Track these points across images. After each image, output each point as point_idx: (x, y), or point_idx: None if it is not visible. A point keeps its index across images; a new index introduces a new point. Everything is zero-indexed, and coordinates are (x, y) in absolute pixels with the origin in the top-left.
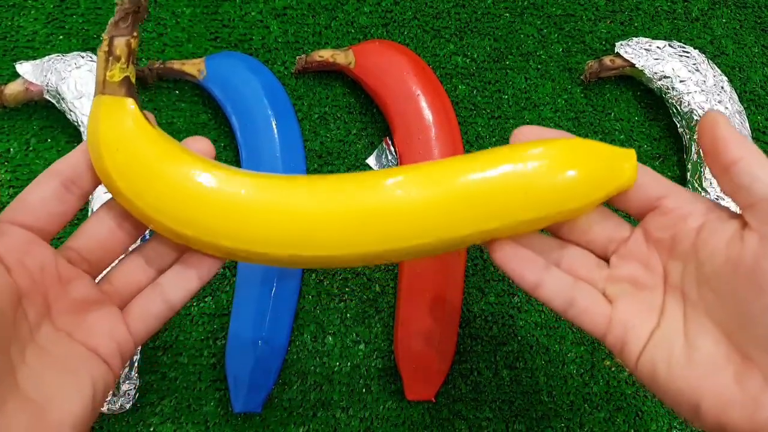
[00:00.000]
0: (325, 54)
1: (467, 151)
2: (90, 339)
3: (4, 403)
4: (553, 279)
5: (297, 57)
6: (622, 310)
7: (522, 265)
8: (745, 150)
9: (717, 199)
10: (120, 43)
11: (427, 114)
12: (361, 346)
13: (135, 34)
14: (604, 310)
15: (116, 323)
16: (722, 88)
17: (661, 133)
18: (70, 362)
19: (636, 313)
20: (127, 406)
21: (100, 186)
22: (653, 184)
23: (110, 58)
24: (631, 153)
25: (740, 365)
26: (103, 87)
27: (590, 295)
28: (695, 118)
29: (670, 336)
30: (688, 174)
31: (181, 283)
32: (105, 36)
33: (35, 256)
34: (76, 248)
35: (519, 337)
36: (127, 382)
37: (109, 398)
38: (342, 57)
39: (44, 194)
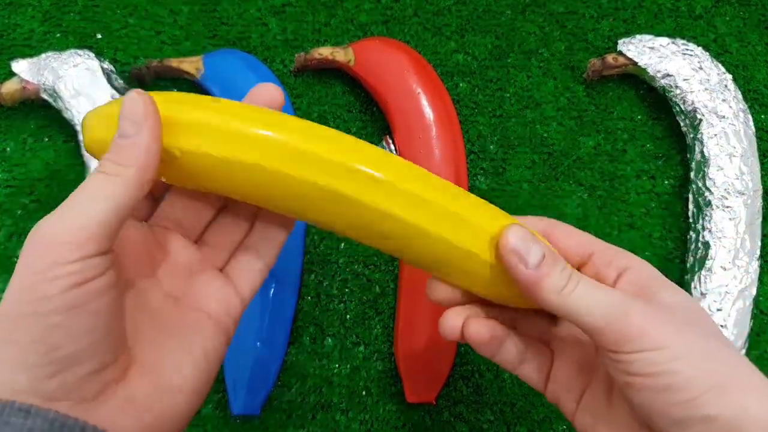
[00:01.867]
0: (325, 52)
1: (468, 151)
2: (199, 302)
3: (126, 372)
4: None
5: (296, 55)
6: (558, 367)
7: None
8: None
9: (721, 198)
10: None
11: (428, 112)
12: (361, 348)
13: None
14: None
15: (222, 284)
16: (726, 86)
17: (664, 132)
18: (181, 327)
19: (568, 374)
20: None
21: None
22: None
23: None
24: None
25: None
26: None
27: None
28: (698, 116)
29: (597, 395)
30: (692, 173)
31: (271, 237)
32: None
33: (130, 226)
34: (166, 215)
35: None
36: None
37: None
38: (341, 54)
39: None
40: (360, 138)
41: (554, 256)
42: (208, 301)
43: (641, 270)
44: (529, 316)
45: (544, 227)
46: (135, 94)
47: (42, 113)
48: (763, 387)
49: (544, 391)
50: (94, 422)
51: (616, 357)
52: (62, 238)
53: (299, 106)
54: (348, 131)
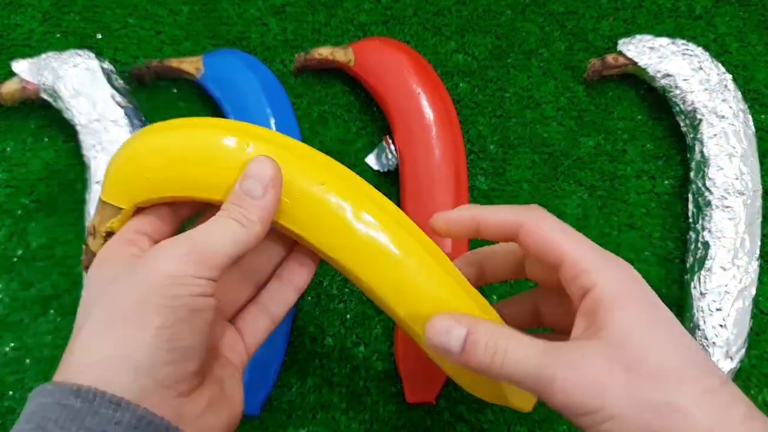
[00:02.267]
0: (324, 52)
1: (468, 151)
2: (218, 348)
3: (202, 381)
4: None
5: (296, 55)
6: None
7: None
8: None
9: (721, 198)
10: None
11: (428, 112)
12: (361, 348)
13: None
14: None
15: (235, 337)
16: (726, 86)
17: (664, 132)
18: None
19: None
20: None
21: (96, 186)
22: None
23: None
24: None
25: None
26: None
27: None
28: (698, 116)
29: None
30: (692, 173)
31: (281, 298)
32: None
33: None
34: None
35: None
36: None
37: None
38: (341, 55)
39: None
40: (360, 137)
41: (476, 334)
42: (222, 351)
43: (597, 289)
44: (551, 300)
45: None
46: (265, 160)
47: (42, 113)
48: (694, 421)
49: None
50: (176, 422)
51: (563, 415)
52: (200, 258)
53: (299, 106)
54: (348, 131)
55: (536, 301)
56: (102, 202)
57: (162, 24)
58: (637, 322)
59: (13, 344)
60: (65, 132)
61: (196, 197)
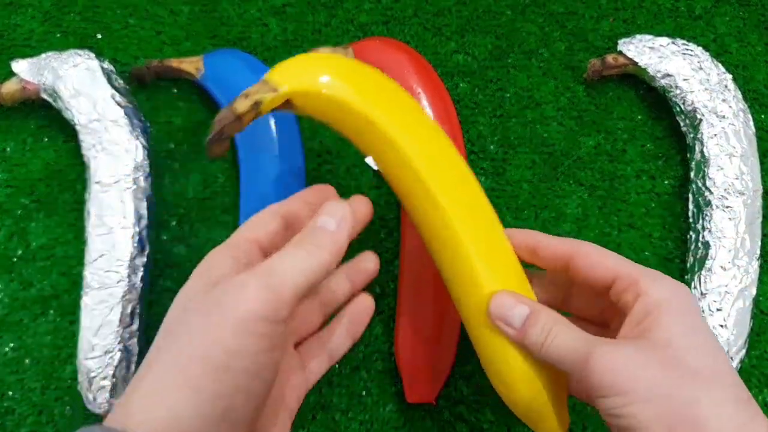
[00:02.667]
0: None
1: (468, 151)
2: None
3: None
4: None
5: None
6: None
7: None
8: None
9: (721, 198)
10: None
11: (428, 112)
12: (361, 348)
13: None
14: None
15: (300, 369)
16: (726, 86)
17: (664, 132)
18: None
19: None
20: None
21: (96, 186)
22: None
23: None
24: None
25: None
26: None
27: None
28: (698, 116)
29: None
30: (692, 173)
31: (341, 341)
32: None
33: None
34: None
35: None
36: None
37: (106, 400)
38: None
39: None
40: None
41: (537, 315)
42: (283, 386)
43: (649, 296)
44: (583, 295)
45: (572, 250)
46: (340, 203)
47: (42, 113)
48: (722, 421)
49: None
50: None
51: (590, 399)
52: (271, 296)
53: None
54: None
55: (570, 292)
56: (263, 81)
57: (162, 24)
58: (681, 328)
59: (12, 344)
60: (65, 132)
61: (340, 128)
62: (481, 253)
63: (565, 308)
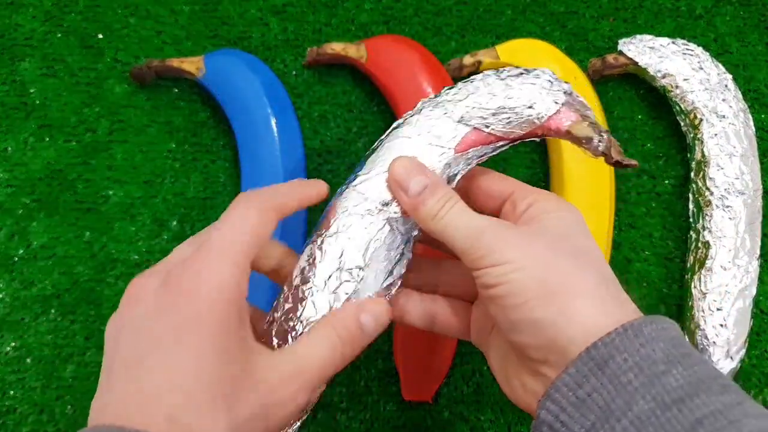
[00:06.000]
0: (337, 47)
1: None
2: None
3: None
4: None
5: (308, 49)
6: (475, 315)
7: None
8: None
9: (721, 198)
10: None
11: None
12: None
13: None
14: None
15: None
16: (726, 86)
17: (664, 131)
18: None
19: (482, 319)
20: None
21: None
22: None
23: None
24: None
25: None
26: None
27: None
28: (699, 116)
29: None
30: (692, 173)
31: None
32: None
33: None
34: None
35: None
36: None
37: None
38: (354, 51)
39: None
40: (360, 137)
41: (436, 187)
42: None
43: (542, 203)
44: (450, 275)
45: (471, 173)
46: (385, 305)
47: (43, 113)
48: (592, 294)
49: (470, 338)
50: None
51: (475, 274)
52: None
53: (300, 105)
54: (348, 131)
55: (437, 273)
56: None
57: (163, 24)
58: (566, 227)
59: (13, 344)
60: (66, 132)
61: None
62: None
63: (434, 289)
